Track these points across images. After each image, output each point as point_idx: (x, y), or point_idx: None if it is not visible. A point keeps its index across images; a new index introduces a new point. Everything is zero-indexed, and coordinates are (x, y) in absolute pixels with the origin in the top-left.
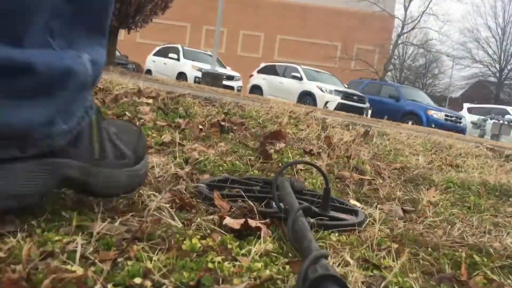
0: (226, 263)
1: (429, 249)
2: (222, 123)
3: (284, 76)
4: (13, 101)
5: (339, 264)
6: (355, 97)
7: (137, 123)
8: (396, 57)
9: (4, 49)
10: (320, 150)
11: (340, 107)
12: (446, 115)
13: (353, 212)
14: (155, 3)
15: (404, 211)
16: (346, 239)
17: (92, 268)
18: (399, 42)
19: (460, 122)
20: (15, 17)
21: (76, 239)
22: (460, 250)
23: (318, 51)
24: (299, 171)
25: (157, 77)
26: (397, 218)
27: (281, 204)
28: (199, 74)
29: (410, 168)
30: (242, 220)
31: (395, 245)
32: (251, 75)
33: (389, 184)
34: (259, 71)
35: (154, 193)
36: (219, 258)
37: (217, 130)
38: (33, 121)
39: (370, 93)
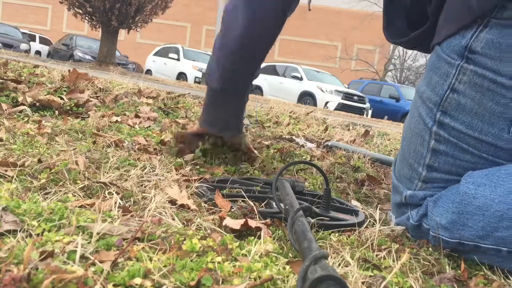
0: (226, 263)
1: (430, 249)
2: None
3: (284, 76)
4: None
5: (339, 264)
6: (355, 97)
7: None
8: (396, 57)
9: None
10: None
11: (340, 107)
12: None
13: (354, 212)
14: (155, 3)
15: None
16: (347, 239)
17: (92, 268)
18: None
19: None
20: None
21: (76, 239)
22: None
23: (318, 51)
24: (299, 171)
25: (157, 77)
26: None
27: (281, 204)
28: (199, 74)
29: None
30: (242, 220)
31: (396, 245)
32: None
33: (390, 184)
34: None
35: (155, 193)
36: (219, 258)
37: None
38: None
39: (370, 93)
